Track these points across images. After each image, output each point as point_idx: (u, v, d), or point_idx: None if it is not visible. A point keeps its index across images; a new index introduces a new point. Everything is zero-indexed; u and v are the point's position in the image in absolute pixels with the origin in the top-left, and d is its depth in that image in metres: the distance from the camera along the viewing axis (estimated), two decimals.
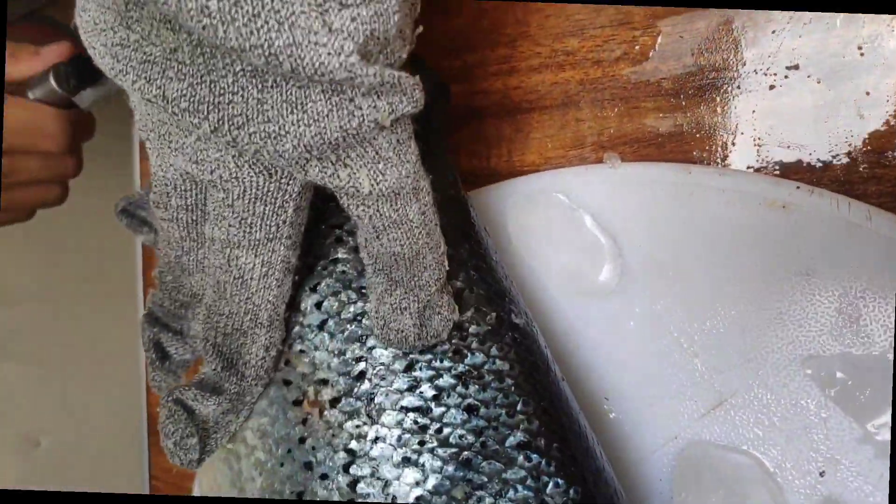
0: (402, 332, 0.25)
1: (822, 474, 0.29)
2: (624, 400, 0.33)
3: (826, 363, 0.29)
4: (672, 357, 0.32)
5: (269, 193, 0.24)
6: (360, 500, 0.25)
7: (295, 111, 0.20)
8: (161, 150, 0.25)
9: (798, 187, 0.30)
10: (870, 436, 0.28)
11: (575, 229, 0.33)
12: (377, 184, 0.22)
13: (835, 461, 0.29)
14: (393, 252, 0.24)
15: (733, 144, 0.32)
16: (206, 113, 0.21)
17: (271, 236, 0.25)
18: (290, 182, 0.24)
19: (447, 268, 0.26)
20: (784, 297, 0.30)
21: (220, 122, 0.21)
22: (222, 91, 0.21)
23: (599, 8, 0.34)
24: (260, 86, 0.20)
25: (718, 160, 0.32)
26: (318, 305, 0.28)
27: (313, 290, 0.28)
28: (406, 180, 0.23)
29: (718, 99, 0.32)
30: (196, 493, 0.35)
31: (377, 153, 0.22)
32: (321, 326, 0.27)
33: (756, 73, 0.31)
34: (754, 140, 0.32)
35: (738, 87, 0.32)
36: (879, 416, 0.28)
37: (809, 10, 0.30)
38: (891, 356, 0.28)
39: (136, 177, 0.51)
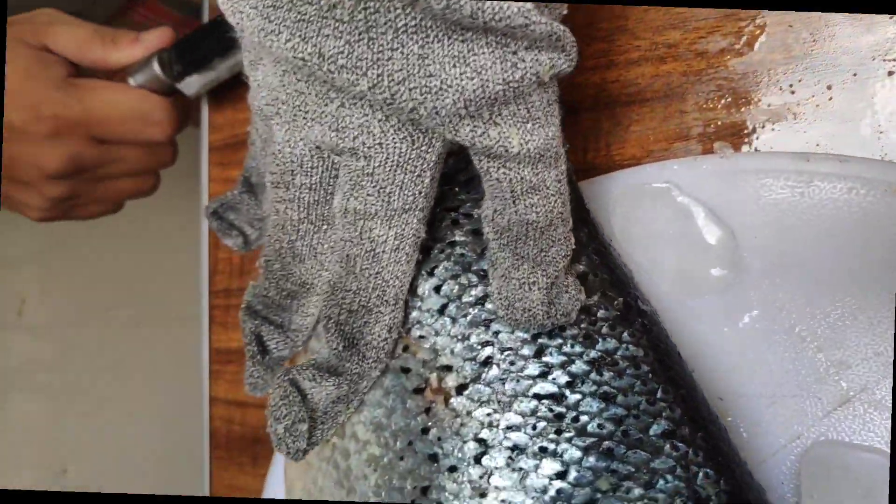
0: (531, 310, 0.24)
1: None
2: (740, 400, 0.31)
3: None
4: (793, 353, 0.30)
5: (410, 161, 0.23)
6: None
7: (458, 65, 0.20)
8: (293, 124, 0.24)
9: None
10: None
11: (685, 222, 0.32)
12: (526, 143, 0.21)
13: None
14: (527, 220, 0.23)
15: (851, 133, 0.31)
16: (364, 69, 0.20)
17: (407, 207, 0.24)
18: (430, 150, 0.23)
19: (573, 246, 0.25)
20: None
21: (380, 78, 0.20)
22: (381, 48, 0.20)
23: None
24: (421, 42, 0.20)
25: (835, 150, 0.31)
26: (437, 289, 0.26)
27: (430, 273, 0.27)
28: (551, 142, 0.22)
29: (833, 88, 0.31)
30: (287, 492, 0.33)
31: (528, 112, 0.21)
32: (441, 311, 0.26)
33: (873, 59, 0.30)
34: (873, 128, 0.31)
35: (855, 75, 0.31)
36: None
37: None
38: None
39: (203, 184, 0.50)
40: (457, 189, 0.28)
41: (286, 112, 0.24)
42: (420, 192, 0.24)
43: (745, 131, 0.33)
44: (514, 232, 0.24)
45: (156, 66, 0.46)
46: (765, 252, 0.31)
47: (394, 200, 0.24)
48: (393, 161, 0.23)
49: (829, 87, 0.31)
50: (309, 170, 0.25)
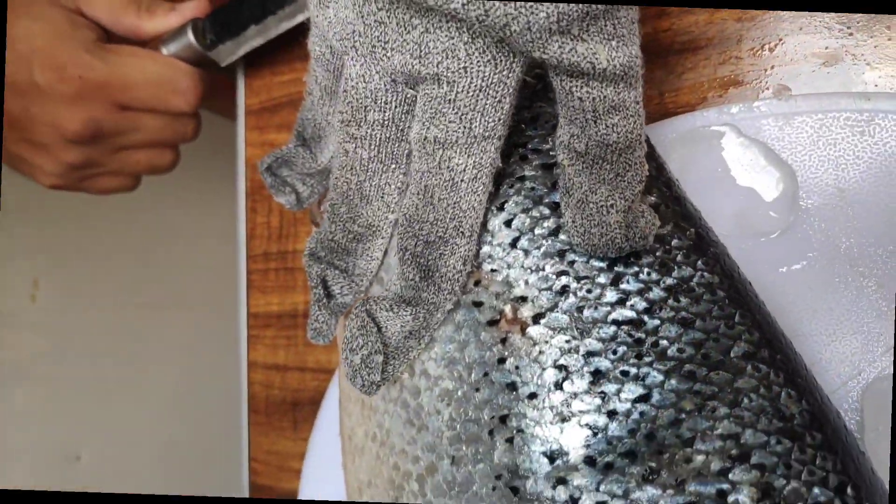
0: (608, 234, 0.24)
1: None
2: (801, 339, 0.31)
3: None
4: (853, 290, 0.30)
5: (492, 86, 0.23)
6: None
7: None
8: (371, 56, 0.24)
9: None
10: None
11: (745, 164, 0.32)
12: (612, 60, 0.21)
13: None
14: (607, 142, 0.23)
15: None
16: None
17: (487, 134, 0.24)
18: (510, 75, 0.23)
19: (647, 171, 0.25)
20: None
21: None
22: None
23: None
24: None
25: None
26: (508, 223, 0.27)
27: (500, 208, 0.27)
28: (635, 60, 0.22)
29: (892, 28, 0.31)
30: (345, 442, 0.33)
31: (615, 28, 0.21)
32: (514, 244, 0.26)
33: None
34: None
35: None
36: None
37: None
38: None
39: (240, 148, 0.50)
40: (523, 126, 0.28)
41: (363, 44, 0.24)
42: (500, 119, 0.24)
43: (801, 74, 0.33)
44: (591, 155, 0.24)
45: (190, 35, 0.46)
46: (825, 191, 0.31)
47: (475, 127, 0.24)
48: (476, 85, 0.23)
49: (888, 28, 0.31)
50: (383, 105, 0.25)
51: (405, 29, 0.23)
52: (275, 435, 0.48)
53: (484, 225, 0.27)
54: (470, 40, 0.22)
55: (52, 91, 0.44)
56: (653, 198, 0.27)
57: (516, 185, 0.27)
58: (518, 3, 0.20)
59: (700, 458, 0.22)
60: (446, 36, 0.22)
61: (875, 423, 0.29)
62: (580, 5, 0.20)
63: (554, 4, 0.20)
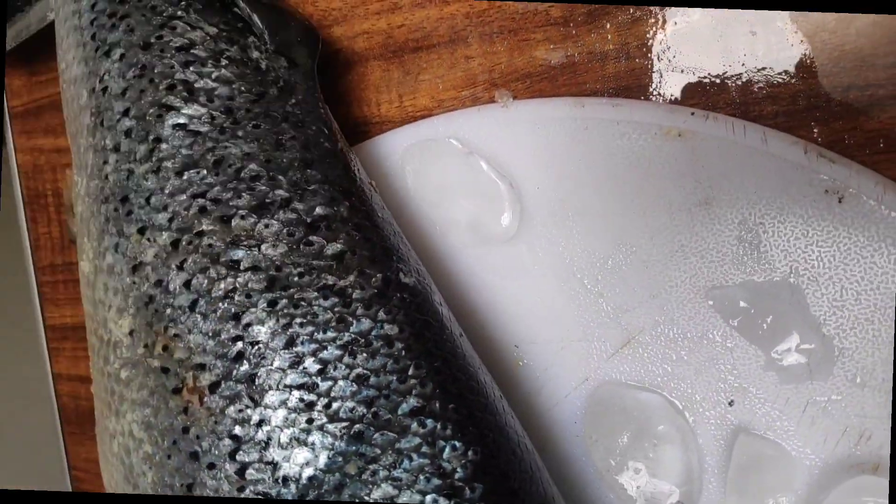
0: None
1: (730, 404, 0.29)
2: (533, 346, 0.32)
3: (729, 293, 0.29)
4: (578, 299, 0.31)
5: None
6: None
7: None
8: None
9: (693, 113, 0.29)
10: (774, 362, 0.28)
11: (471, 174, 0.31)
12: None
13: (742, 390, 0.29)
14: None
15: (628, 72, 0.30)
16: None
17: None
18: None
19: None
20: (685, 228, 0.29)
21: None
22: None
23: None
24: None
25: (613, 90, 0.30)
26: (187, 285, 0.26)
27: (180, 267, 0.26)
28: None
29: (609, 25, 0.30)
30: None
31: None
32: (192, 307, 0.25)
33: None
34: (649, 65, 0.30)
35: (630, 12, 0.30)
36: (782, 342, 0.28)
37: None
38: (793, 280, 0.28)
39: (11, 157, 0.46)
40: (204, 171, 0.26)
41: None
42: None
43: (528, 76, 0.32)
44: None
45: None
46: (546, 200, 0.31)
47: None
48: None
49: (605, 26, 0.30)
50: None
51: None
52: (90, 444, 0.48)
53: (166, 286, 0.26)
54: None
55: None
56: (339, 244, 0.26)
57: (194, 241, 0.26)
58: None
59: None
60: None
61: (591, 431, 0.31)
62: None
63: None
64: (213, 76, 0.28)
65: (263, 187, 0.26)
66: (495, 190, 0.31)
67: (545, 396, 0.32)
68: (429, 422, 0.24)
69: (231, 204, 0.26)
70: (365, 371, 0.24)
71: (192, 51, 0.28)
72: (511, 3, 0.31)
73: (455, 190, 0.32)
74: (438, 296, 0.28)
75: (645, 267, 0.30)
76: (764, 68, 0.28)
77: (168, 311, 0.26)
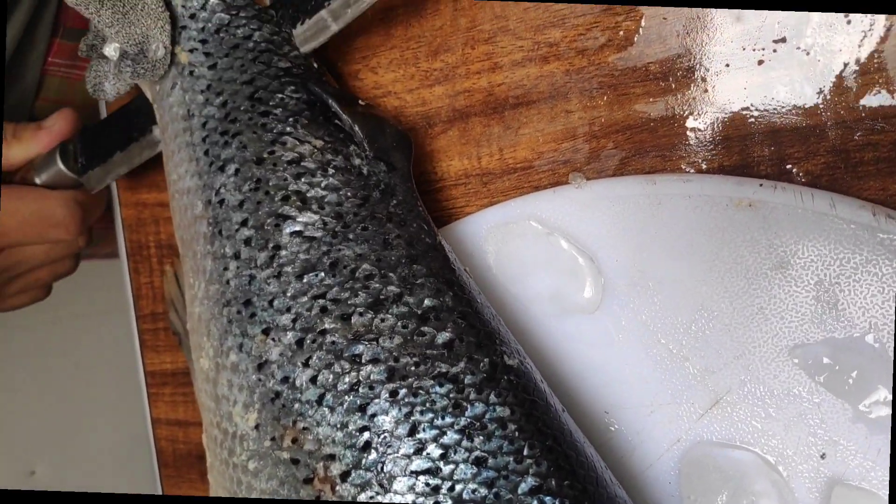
0: None
1: (822, 457, 0.30)
2: (623, 411, 0.33)
3: (812, 351, 0.30)
4: (664, 364, 0.33)
5: None
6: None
7: None
8: None
9: (761, 185, 0.31)
10: (862, 415, 0.29)
11: (552, 252, 0.34)
12: None
13: (833, 442, 0.30)
14: None
15: (727, 122, 0.32)
16: None
17: None
18: None
19: None
20: (763, 291, 0.31)
21: None
22: None
23: None
24: None
25: (714, 141, 0.32)
26: (314, 380, 0.28)
27: (306, 364, 0.28)
28: None
29: (707, 78, 0.32)
30: None
31: None
32: (320, 401, 0.28)
33: (743, 49, 0.31)
34: (748, 115, 0.32)
35: (727, 65, 0.32)
36: (869, 395, 0.29)
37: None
38: (874, 335, 0.29)
39: (117, 216, 0.50)
40: (322, 274, 0.29)
41: None
42: None
43: (627, 128, 0.34)
44: None
45: (59, 162, 0.44)
46: (626, 272, 0.33)
47: None
48: None
49: (703, 79, 0.32)
50: None
51: None
52: (186, 486, 0.50)
53: (293, 383, 0.28)
54: None
55: None
56: (448, 333, 0.28)
57: (318, 339, 0.28)
58: None
59: None
60: None
61: (689, 492, 0.32)
62: None
63: None
64: (323, 185, 0.30)
65: (377, 285, 0.28)
66: (576, 265, 0.33)
67: (638, 459, 0.33)
68: (547, 499, 0.26)
69: (349, 302, 0.28)
70: (483, 453, 0.26)
71: (302, 163, 0.31)
72: (609, 61, 0.33)
73: (537, 266, 0.34)
74: (537, 373, 0.30)
75: (727, 330, 0.31)
76: (863, 118, 0.30)
77: (296, 405, 0.28)
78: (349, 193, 0.31)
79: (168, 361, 0.48)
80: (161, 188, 0.47)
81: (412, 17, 0.38)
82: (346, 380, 0.27)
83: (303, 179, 0.31)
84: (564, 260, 0.33)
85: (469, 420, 0.27)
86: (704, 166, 0.33)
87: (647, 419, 0.33)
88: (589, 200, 0.33)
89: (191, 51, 0.35)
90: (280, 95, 0.33)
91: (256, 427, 0.29)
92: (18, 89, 0.59)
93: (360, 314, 0.28)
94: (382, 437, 0.26)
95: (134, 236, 0.48)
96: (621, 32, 0.33)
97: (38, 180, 0.44)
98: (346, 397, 0.27)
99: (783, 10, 0.31)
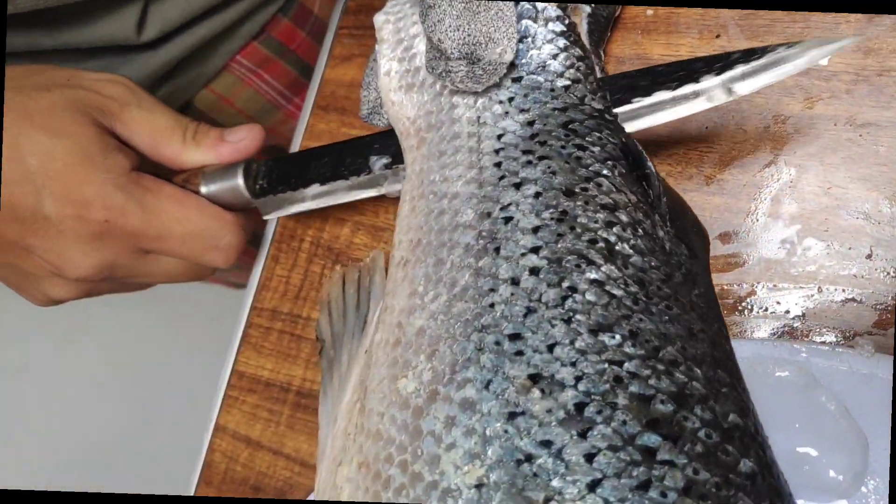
0: None
1: None
2: None
3: None
4: None
5: None
6: None
7: None
8: None
9: None
10: None
11: (816, 412, 0.30)
12: None
13: None
14: None
15: None
16: None
17: None
18: None
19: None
20: None
21: None
22: None
23: None
24: None
25: None
26: (589, 458, 0.23)
27: (582, 436, 0.23)
28: None
29: None
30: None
31: None
32: (592, 487, 0.22)
33: None
34: None
35: None
36: None
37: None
38: None
39: None
40: (619, 338, 0.25)
41: None
42: None
43: None
44: None
45: (240, 178, 0.39)
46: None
47: None
48: None
49: None
50: None
51: None
52: None
53: (559, 452, 0.23)
54: None
55: (63, 228, 0.36)
56: (751, 463, 0.23)
57: (605, 411, 0.23)
58: None
59: None
60: None
61: None
62: None
63: None
64: (630, 243, 0.27)
65: (682, 377, 0.24)
66: (841, 439, 0.29)
67: None
68: None
69: (650, 384, 0.24)
70: None
71: (615, 212, 0.27)
72: None
73: (791, 421, 0.30)
74: None
75: None
76: None
77: (554, 481, 0.23)
78: (654, 263, 0.27)
79: (268, 368, 0.41)
80: None
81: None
82: (634, 473, 0.22)
83: (613, 229, 0.27)
84: (830, 427, 0.29)
85: None
86: None
87: None
88: (872, 373, 0.29)
89: None
90: (598, 135, 0.29)
91: (478, 486, 0.23)
92: (197, 69, 0.55)
93: (662, 402, 0.23)
94: None
95: (290, 223, 0.43)
96: None
97: (203, 189, 0.39)
98: (629, 495, 0.22)
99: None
